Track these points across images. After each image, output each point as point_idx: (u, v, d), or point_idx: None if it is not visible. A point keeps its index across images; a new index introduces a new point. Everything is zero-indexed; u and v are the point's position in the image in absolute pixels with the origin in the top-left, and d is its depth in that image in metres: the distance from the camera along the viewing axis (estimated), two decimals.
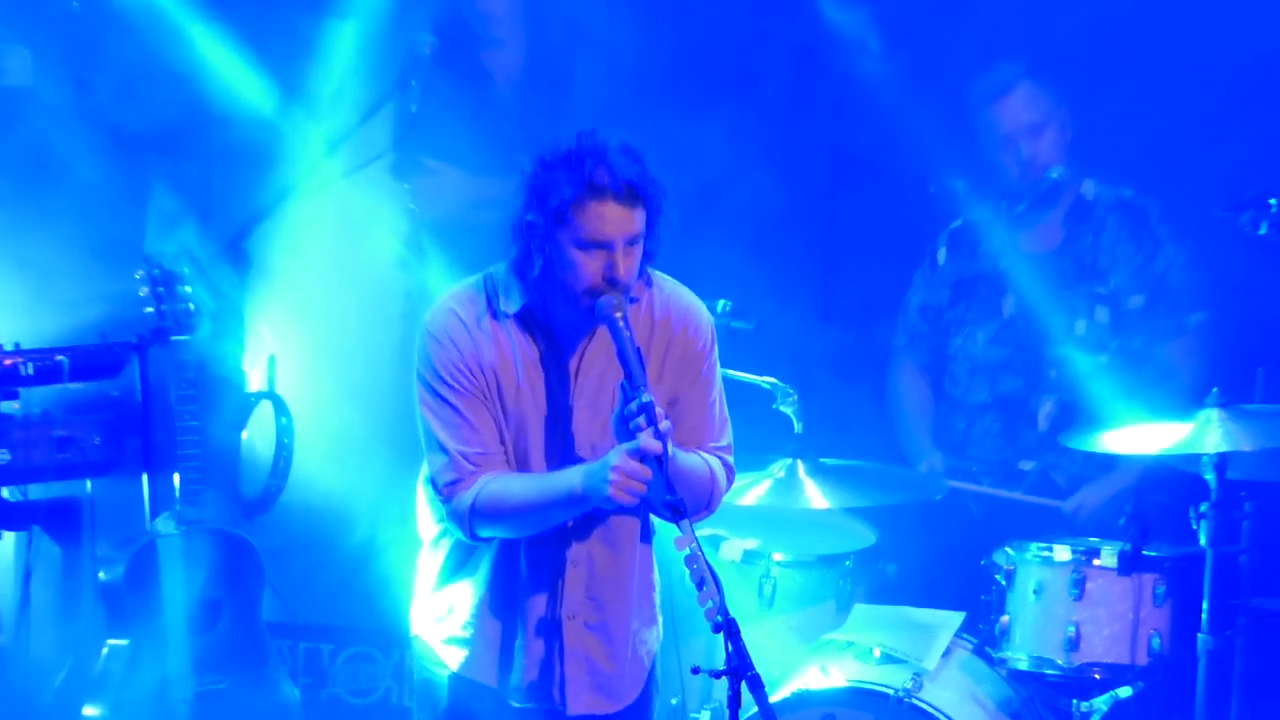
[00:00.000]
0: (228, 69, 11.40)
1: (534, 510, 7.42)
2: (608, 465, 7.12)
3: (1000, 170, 10.41)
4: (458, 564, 7.72)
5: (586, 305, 7.25)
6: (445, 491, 7.47)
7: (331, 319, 11.67)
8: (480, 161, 11.11)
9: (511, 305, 7.44)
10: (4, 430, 9.63)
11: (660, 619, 7.96)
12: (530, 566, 7.59)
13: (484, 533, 7.48)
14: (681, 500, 7.04)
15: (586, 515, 7.50)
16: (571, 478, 7.31)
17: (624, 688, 7.77)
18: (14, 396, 9.65)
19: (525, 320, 7.46)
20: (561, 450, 7.53)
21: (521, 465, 7.55)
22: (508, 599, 7.65)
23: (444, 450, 7.46)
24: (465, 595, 7.68)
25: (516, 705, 7.67)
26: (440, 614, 7.75)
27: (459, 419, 7.44)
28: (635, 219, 7.23)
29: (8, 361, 9.51)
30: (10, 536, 10.04)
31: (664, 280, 7.62)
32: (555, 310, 7.44)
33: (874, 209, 11.51)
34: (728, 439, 7.74)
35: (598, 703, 7.69)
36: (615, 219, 7.21)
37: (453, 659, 7.71)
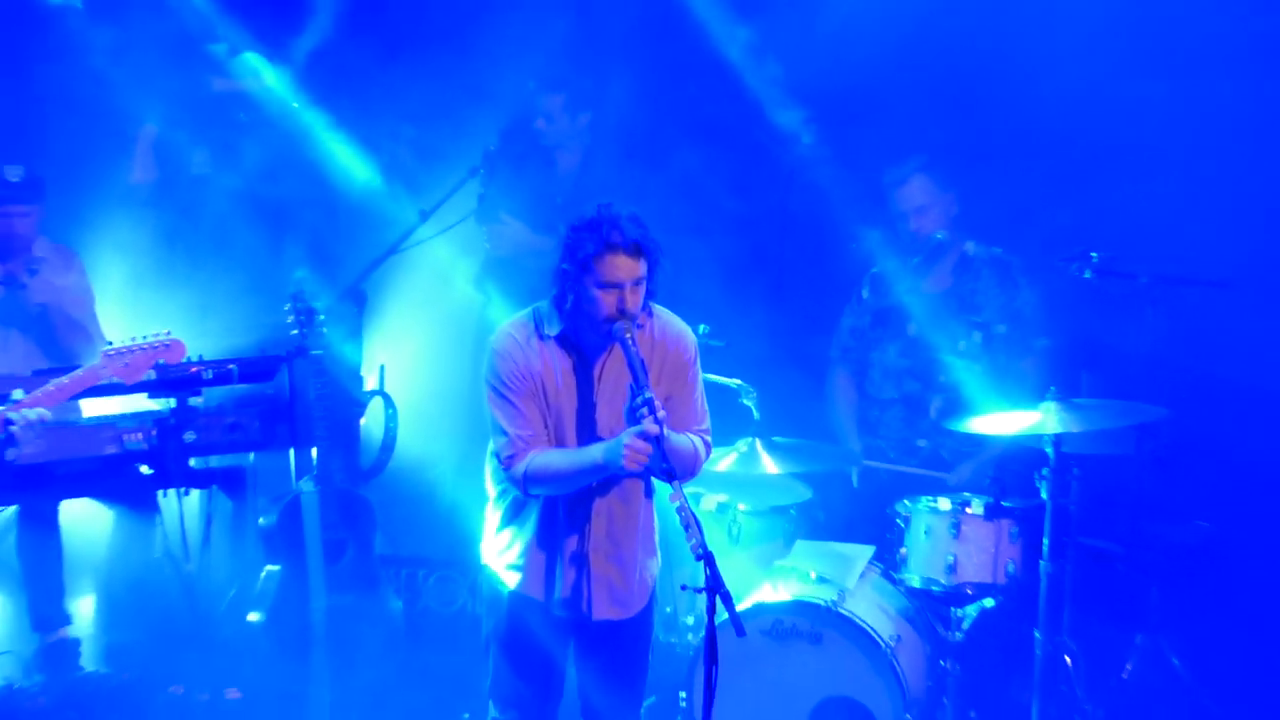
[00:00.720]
0: (347, 157, 11.56)
1: (570, 475, 7.67)
2: (621, 442, 7.38)
3: (900, 233, 10.47)
4: (514, 514, 7.92)
5: (605, 329, 7.51)
6: (505, 462, 7.70)
7: (423, 339, 11.70)
8: (537, 221, 11.06)
9: (552, 329, 7.68)
10: (192, 418, 9.72)
11: (658, 553, 8.12)
12: (566, 515, 7.81)
13: (534, 491, 7.71)
14: (673, 468, 7.36)
15: (606, 479, 7.72)
16: (596, 452, 7.56)
17: (633, 602, 7.96)
18: (198, 394, 9.73)
19: (562, 340, 7.69)
20: (588, 433, 7.76)
21: (560, 443, 7.75)
22: (550, 538, 7.85)
23: (505, 433, 7.69)
24: (520, 536, 7.89)
25: (557, 614, 7.85)
26: (502, 549, 7.95)
27: (515, 410, 7.68)
28: (640, 267, 7.50)
29: (193, 369, 9.52)
30: (196, 493, 10.04)
31: (661, 311, 7.83)
32: (583, 333, 7.66)
33: (813, 257, 11.54)
34: (707, 423, 7.97)
35: (615, 612, 7.91)
36: (625, 267, 7.47)
37: (511, 580, 7.91)
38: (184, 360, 8.96)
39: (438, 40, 11.72)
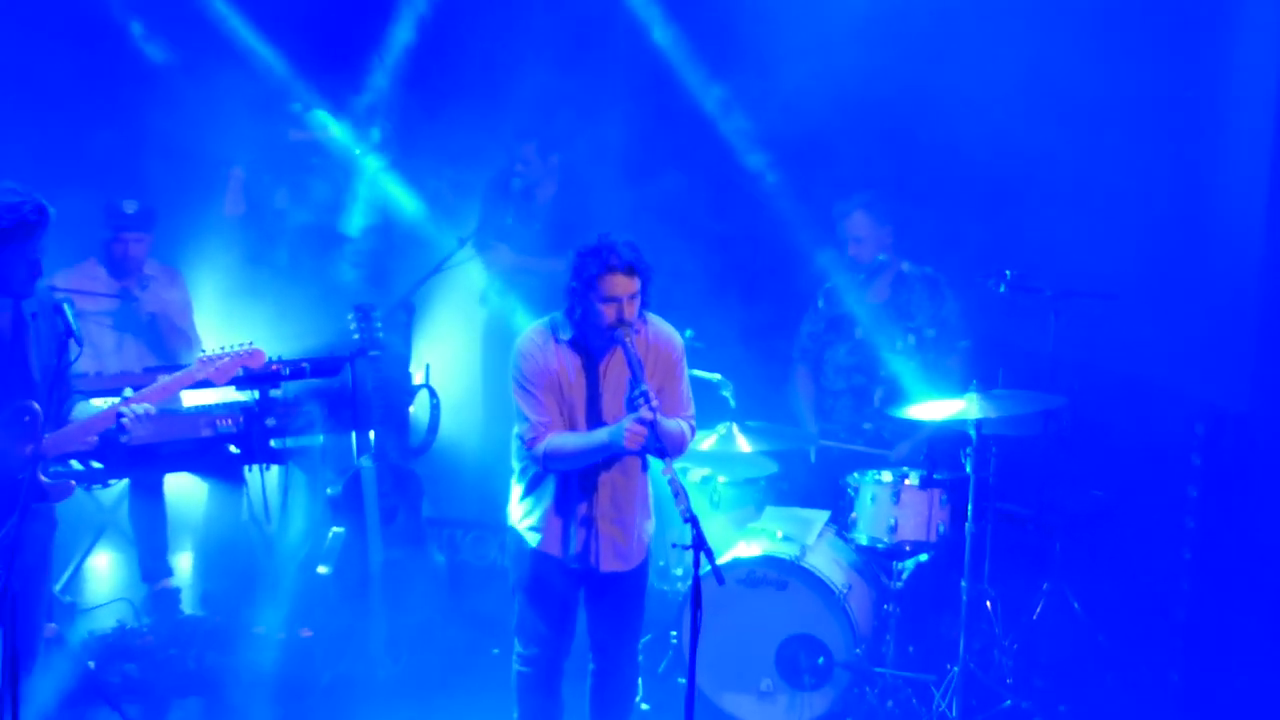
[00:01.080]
0: (398, 193, 11.68)
1: (581, 453, 7.86)
2: (623, 427, 7.62)
3: (845, 255, 10.56)
4: (534, 485, 8.11)
5: (608, 335, 7.73)
6: (527, 444, 7.91)
7: (460, 341, 11.80)
8: (522, 244, 11.22)
9: (565, 335, 7.91)
10: (273, 407, 9.78)
11: (652, 516, 8.29)
12: (577, 485, 8.00)
13: (552, 467, 7.89)
14: (665, 446, 7.59)
15: (610, 457, 7.88)
16: (602, 434, 7.79)
17: (633, 556, 8.15)
18: (277, 387, 9.78)
19: (573, 343, 7.92)
20: (595, 419, 7.96)
21: (572, 428, 7.92)
22: (564, 505, 8.04)
23: (527, 419, 7.91)
24: (539, 503, 8.08)
25: (571, 567, 8.03)
26: (525, 513, 8.14)
27: (536, 400, 7.89)
28: (634, 284, 7.75)
29: (273, 367, 9.62)
30: (275, 468, 10.09)
31: (653, 317, 8.05)
32: (590, 337, 7.89)
33: (778, 273, 11.54)
34: (692, 410, 8.16)
35: (618, 564, 8.10)
36: (622, 284, 7.73)
37: (533, 539, 8.11)
38: (264, 363, 9.21)
39: (472, 96, 11.69)
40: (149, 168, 11.31)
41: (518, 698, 8.38)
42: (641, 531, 8.24)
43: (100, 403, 7.72)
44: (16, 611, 7.06)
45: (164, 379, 7.79)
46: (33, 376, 7.39)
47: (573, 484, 8.06)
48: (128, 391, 7.63)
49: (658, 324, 8.12)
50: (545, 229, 11.28)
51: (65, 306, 7.37)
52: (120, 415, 7.49)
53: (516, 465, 8.22)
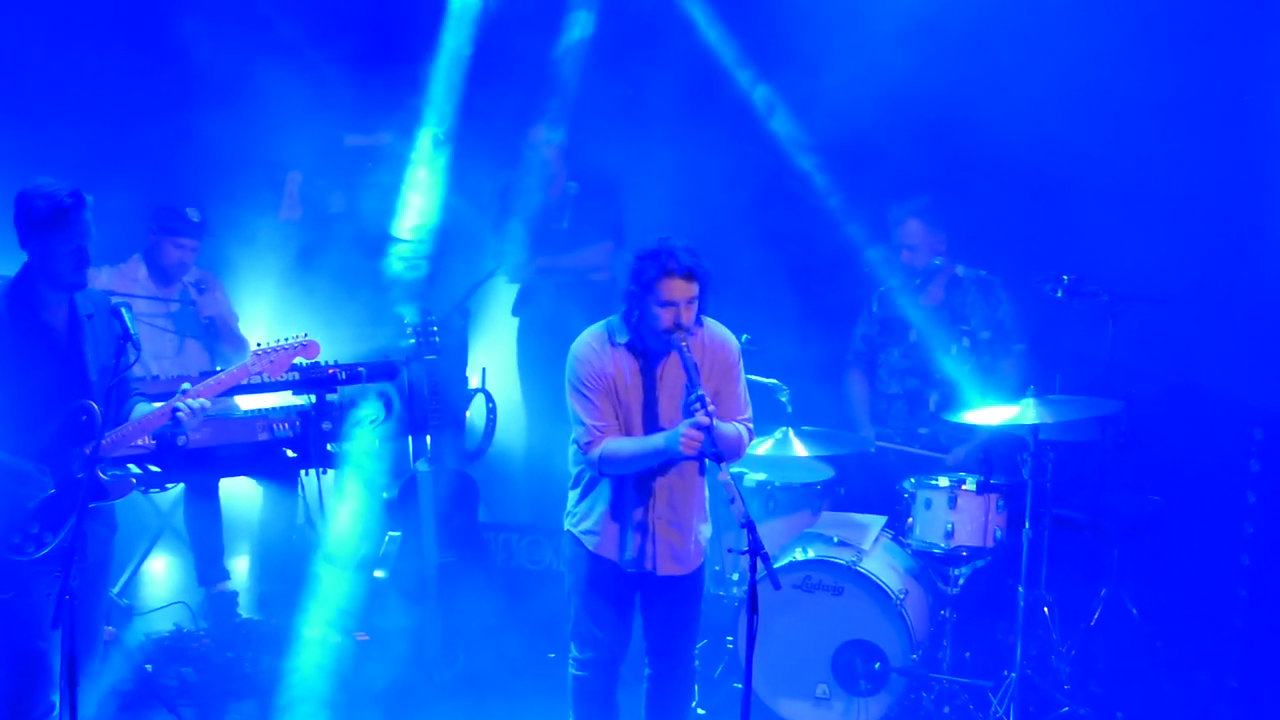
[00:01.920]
0: (451, 197, 11.61)
1: (637, 458, 7.81)
2: (679, 432, 7.55)
3: (900, 260, 10.56)
4: (590, 489, 8.06)
5: (665, 339, 7.66)
6: (583, 448, 7.87)
7: (516, 346, 11.75)
8: (541, 245, 11.20)
9: (622, 338, 7.86)
10: (329, 411, 9.75)
11: (710, 520, 8.23)
12: (634, 490, 7.94)
13: (607, 471, 7.84)
14: (721, 451, 7.51)
15: (666, 461, 7.81)
16: (658, 439, 7.73)
17: (690, 560, 8.09)
18: (334, 391, 9.78)
19: (630, 347, 7.86)
20: (651, 423, 7.90)
21: (628, 433, 7.87)
22: (621, 509, 7.98)
23: (583, 423, 7.86)
24: (596, 507, 8.03)
25: (628, 571, 7.99)
26: (581, 518, 8.09)
27: (591, 405, 7.84)
28: (692, 289, 7.67)
29: (330, 371, 9.63)
30: (331, 472, 9.98)
31: (710, 321, 7.98)
32: (646, 341, 7.82)
33: (833, 278, 11.45)
34: (750, 413, 8.09)
35: (675, 568, 8.04)
36: (680, 289, 7.65)
37: (589, 543, 8.05)
38: (319, 361, 9.10)
39: (522, 97, 11.68)
40: (202, 171, 11.35)
41: (574, 702, 8.34)
42: (699, 535, 8.17)
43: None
44: (76, 613, 7.08)
45: (219, 375, 7.79)
46: (89, 377, 7.40)
47: (629, 488, 7.99)
48: (185, 386, 7.63)
49: (714, 327, 8.06)
50: (571, 224, 11.35)
51: (124, 310, 7.37)
52: (175, 410, 7.50)
53: (573, 469, 8.18)
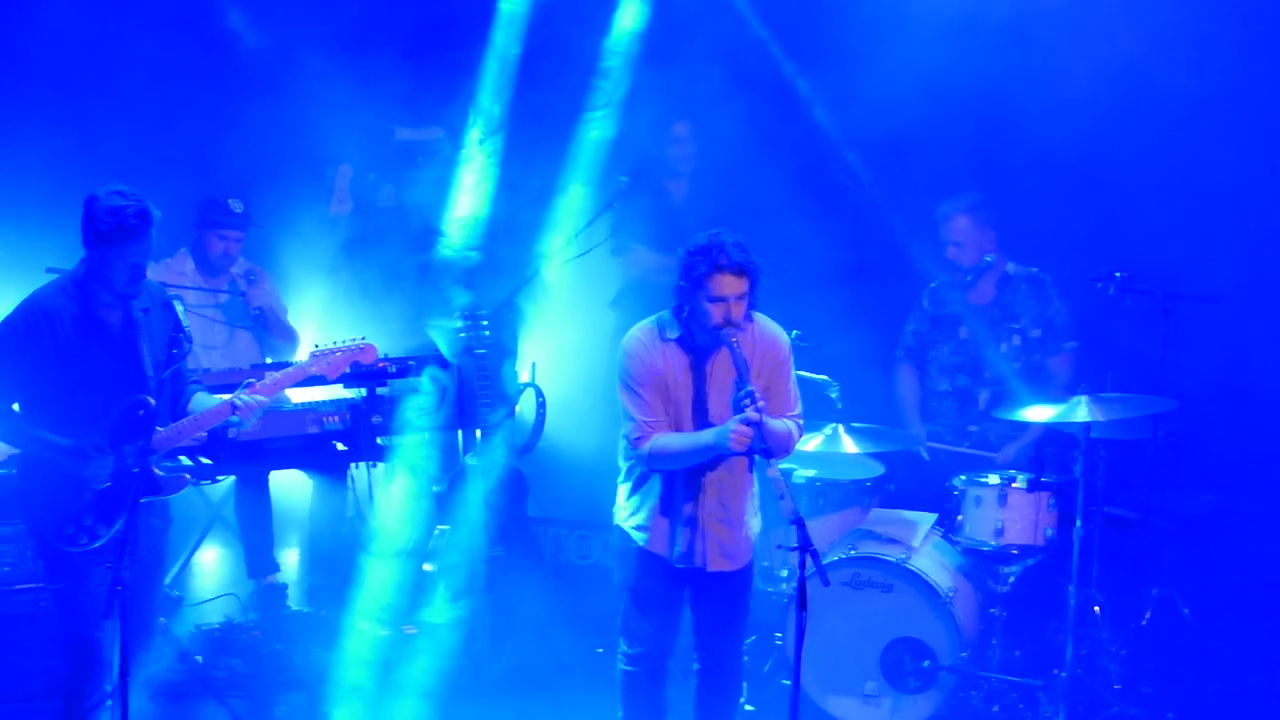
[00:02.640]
0: (503, 193, 11.59)
1: (686, 454, 7.83)
2: (728, 428, 7.58)
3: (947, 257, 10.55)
4: (639, 484, 8.08)
5: (715, 335, 7.69)
6: (633, 444, 7.88)
7: (566, 341, 11.80)
8: (660, 244, 11.04)
9: (672, 334, 7.88)
10: (379, 404, 9.84)
11: (759, 515, 8.24)
12: (684, 485, 7.95)
13: (656, 467, 7.86)
14: (771, 447, 7.55)
15: (716, 457, 7.82)
16: (708, 435, 7.75)
17: (739, 556, 8.10)
18: (384, 385, 9.85)
19: (680, 342, 7.88)
20: (701, 418, 7.92)
21: (678, 428, 7.87)
22: (671, 505, 8.00)
23: (632, 419, 7.88)
24: (646, 503, 8.04)
25: (677, 566, 8.00)
26: (631, 513, 8.12)
27: (641, 400, 7.87)
28: (742, 285, 7.70)
29: (380, 364, 9.68)
30: (381, 464, 10.04)
31: (760, 317, 7.99)
32: (696, 336, 7.85)
33: (884, 274, 11.52)
34: (799, 409, 8.09)
35: (724, 564, 8.05)
36: (730, 284, 7.68)
37: (639, 539, 8.07)
38: (375, 359, 9.22)
39: (569, 92, 11.62)
40: (251, 165, 11.39)
41: (623, 697, 8.36)
42: (749, 530, 8.19)
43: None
44: (129, 604, 7.11)
45: (277, 373, 7.86)
46: (145, 371, 7.47)
47: (679, 483, 8.01)
48: (249, 381, 7.69)
49: (764, 323, 8.07)
50: (684, 225, 11.17)
51: (176, 303, 7.49)
52: (234, 407, 7.58)
53: (623, 465, 8.20)
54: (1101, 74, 10.79)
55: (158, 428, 7.49)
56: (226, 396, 7.70)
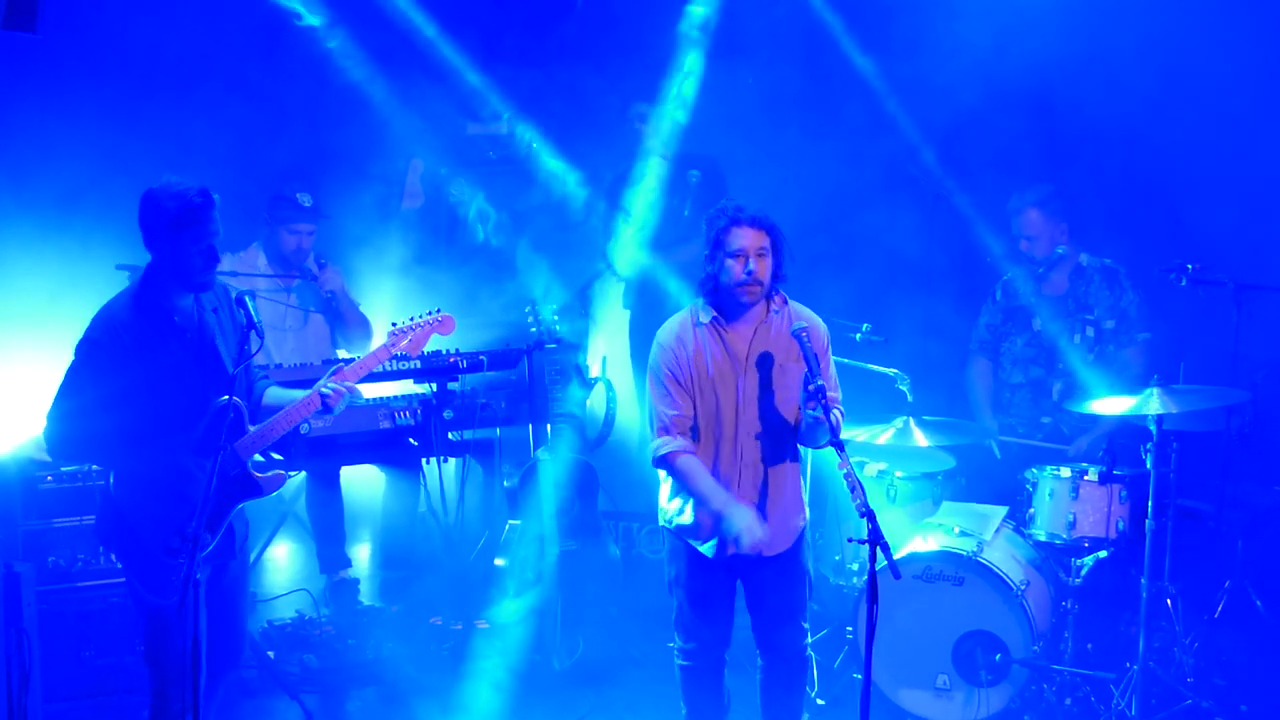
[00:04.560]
0: (574, 187, 11.80)
1: (695, 495, 7.96)
2: (738, 526, 7.82)
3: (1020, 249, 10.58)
4: (679, 487, 8.13)
5: (740, 296, 7.86)
6: (654, 432, 8.02)
7: (637, 333, 11.70)
8: (662, 237, 11.21)
9: (705, 318, 7.95)
10: (450, 399, 9.91)
11: (805, 510, 8.29)
12: (721, 479, 7.98)
13: (664, 469, 8.04)
14: (842, 442, 7.38)
15: (751, 449, 7.99)
16: (719, 503, 7.89)
17: (776, 543, 8.06)
18: (455, 380, 9.92)
19: (714, 324, 7.94)
20: (739, 406, 7.97)
21: (717, 416, 7.98)
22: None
23: (655, 409, 8.03)
24: (687, 499, 8.08)
25: (722, 557, 8.06)
26: (677, 512, 8.16)
27: (665, 392, 8.03)
28: (762, 238, 7.84)
29: (451, 360, 9.81)
30: (453, 460, 10.18)
31: (798, 305, 8.08)
32: (729, 310, 7.96)
33: (955, 265, 11.54)
34: (839, 393, 8.05)
35: (759, 549, 8.01)
36: (749, 236, 7.83)
37: (684, 535, 8.15)
38: (441, 349, 9.30)
39: (639, 92, 11.67)
40: (321, 160, 11.45)
41: (684, 692, 8.45)
42: (789, 521, 8.21)
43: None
44: (223, 608, 7.24)
45: (361, 357, 7.88)
46: (226, 369, 7.49)
47: (718, 478, 8.04)
48: (337, 366, 7.78)
49: (800, 309, 8.13)
50: (691, 213, 11.28)
51: (247, 299, 7.44)
52: (323, 395, 7.62)
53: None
54: (1172, 65, 10.77)
55: (248, 427, 7.54)
56: (301, 392, 7.75)
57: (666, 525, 8.27)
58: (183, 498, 7.40)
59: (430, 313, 8.04)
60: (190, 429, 7.46)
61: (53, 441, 7.45)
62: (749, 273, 7.81)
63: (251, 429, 7.57)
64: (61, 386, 7.40)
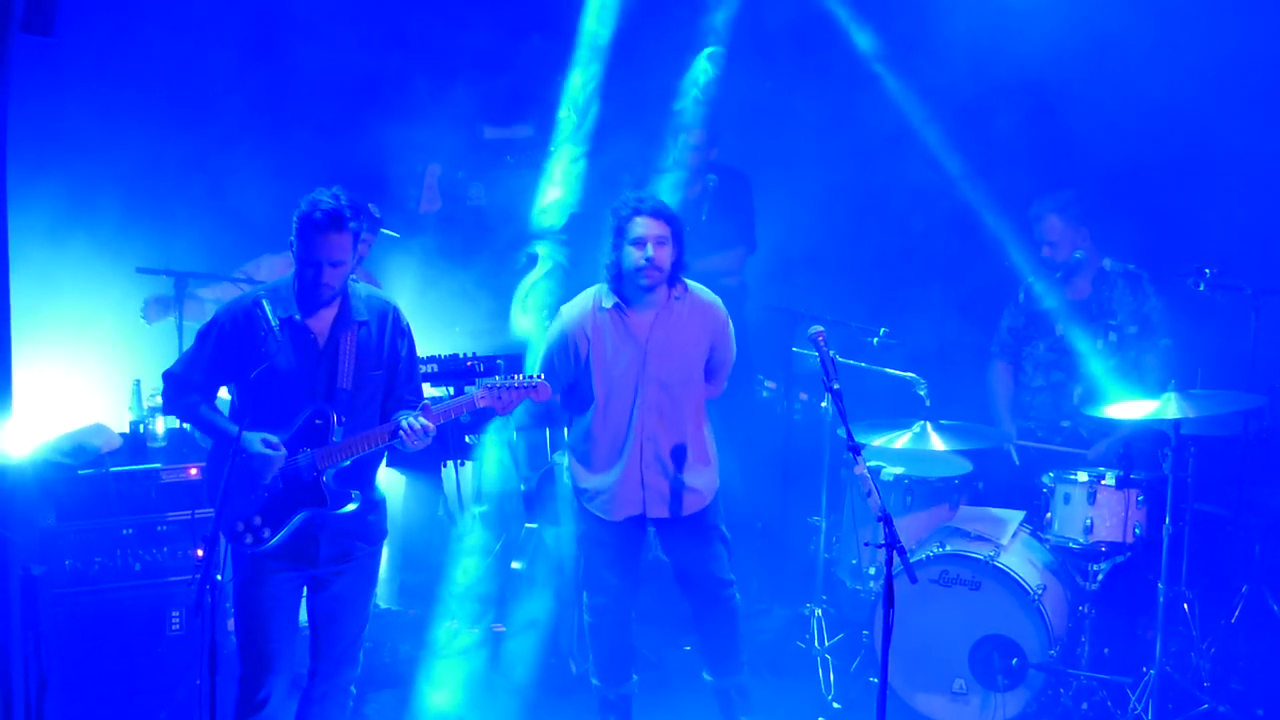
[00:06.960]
0: (589, 189, 11.59)
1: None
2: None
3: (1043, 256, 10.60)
4: (579, 444, 8.91)
5: (639, 279, 8.38)
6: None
7: None
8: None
9: (608, 303, 8.46)
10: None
11: (712, 464, 8.80)
12: (623, 443, 8.65)
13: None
14: (860, 445, 7.38)
15: (654, 427, 8.55)
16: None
17: (684, 505, 8.72)
18: (472, 383, 9.74)
19: (616, 310, 8.50)
20: (634, 381, 8.52)
21: (614, 397, 8.56)
22: (609, 462, 8.73)
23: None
24: (586, 460, 8.79)
25: (622, 519, 8.75)
26: (577, 473, 8.90)
27: (543, 362, 8.66)
28: (662, 227, 8.36)
29: (468, 363, 9.76)
30: (469, 463, 10.12)
31: (697, 286, 8.61)
32: (629, 297, 8.46)
33: (974, 270, 11.54)
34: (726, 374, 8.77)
35: (665, 512, 8.71)
36: (649, 225, 8.37)
37: (585, 497, 8.81)
38: (458, 353, 9.44)
39: (659, 96, 11.67)
40: (346, 164, 11.38)
41: (591, 643, 9.03)
42: (695, 479, 8.72)
43: None
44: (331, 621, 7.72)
45: (445, 403, 7.96)
46: (338, 383, 7.65)
47: (617, 441, 8.64)
48: (425, 403, 7.90)
49: (700, 290, 8.62)
50: (708, 219, 11.33)
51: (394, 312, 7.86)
52: (401, 429, 7.69)
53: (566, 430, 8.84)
54: (1190, 69, 10.80)
55: (333, 439, 7.65)
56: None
57: (569, 484, 8.96)
58: (254, 487, 7.62)
59: (529, 376, 8.01)
60: (280, 427, 7.64)
61: (165, 379, 7.86)
62: (648, 259, 8.29)
63: (337, 443, 7.67)
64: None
